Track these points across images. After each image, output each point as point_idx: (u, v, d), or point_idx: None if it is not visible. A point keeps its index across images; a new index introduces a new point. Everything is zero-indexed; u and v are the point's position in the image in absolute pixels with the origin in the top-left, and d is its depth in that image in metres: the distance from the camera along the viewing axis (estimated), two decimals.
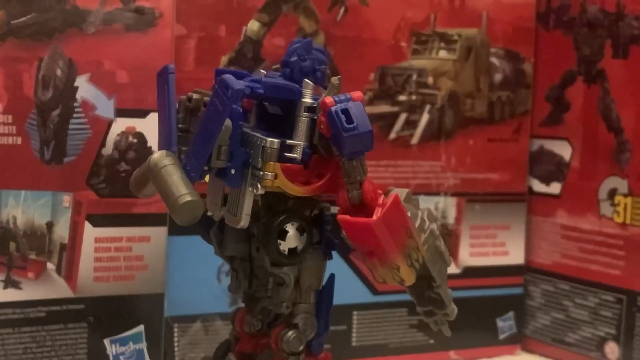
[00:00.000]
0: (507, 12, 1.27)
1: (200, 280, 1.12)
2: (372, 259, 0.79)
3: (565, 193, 1.27)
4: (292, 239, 0.83)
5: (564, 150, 1.27)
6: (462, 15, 1.24)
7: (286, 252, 0.83)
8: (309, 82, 0.83)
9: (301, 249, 0.83)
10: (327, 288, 0.87)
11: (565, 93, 1.27)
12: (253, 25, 1.12)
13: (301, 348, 0.86)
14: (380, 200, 0.79)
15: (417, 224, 0.80)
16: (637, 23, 1.16)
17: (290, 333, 0.85)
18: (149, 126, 1.05)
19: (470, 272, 1.27)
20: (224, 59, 1.12)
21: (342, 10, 1.16)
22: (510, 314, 1.31)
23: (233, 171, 0.80)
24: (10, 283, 1.01)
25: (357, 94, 0.81)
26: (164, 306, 1.08)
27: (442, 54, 1.23)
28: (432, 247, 0.80)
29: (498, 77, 1.28)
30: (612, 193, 1.20)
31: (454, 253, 1.27)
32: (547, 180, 1.30)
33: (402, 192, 0.80)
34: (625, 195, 1.19)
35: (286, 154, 0.81)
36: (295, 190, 0.81)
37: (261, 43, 1.13)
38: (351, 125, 0.79)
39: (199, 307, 1.12)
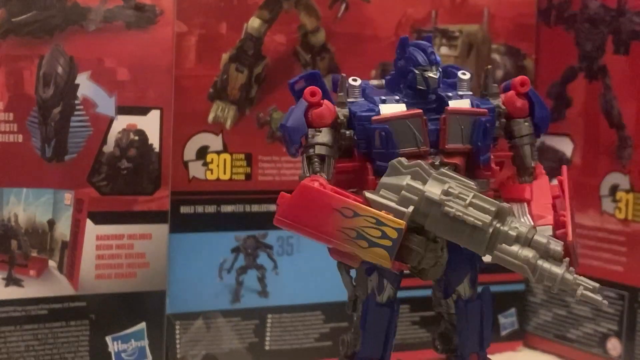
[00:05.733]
0: (509, 8, 1.26)
1: (202, 278, 1.12)
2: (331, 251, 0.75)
3: None
4: None
5: (565, 146, 1.27)
6: (464, 12, 1.24)
7: None
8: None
9: None
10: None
11: (567, 89, 1.26)
12: (254, 22, 1.12)
13: None
14: None
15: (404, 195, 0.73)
16: (638, 19, 1.16)
17: None
18: (150, 123, 1.05)
19: None
20: (224, 56, 1.12)
21: (343, 7, 1.16)
22: (512, 310, 1.30)
23: None
24: (12, 281, 1.01)
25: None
26: (165, 303, 1.07)
27: (444, 50, 1.23)
28: (437, 218, 0.72)
29: (499, 73, 1.27)
30: (614, 189, 1.20)
31: None
32: (548, 177, 1.28)
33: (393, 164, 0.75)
34: (627, 192, 1.18)
35: None
36: None
37: (262, 40, 1.13)
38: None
39: (201, 304, 1.12)
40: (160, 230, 1.06)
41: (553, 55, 1.28)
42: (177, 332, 1.12)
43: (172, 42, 1.05)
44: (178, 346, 1.12)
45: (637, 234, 1.17)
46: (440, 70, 0.79)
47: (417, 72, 0.78)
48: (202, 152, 1.12)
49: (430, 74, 0.77)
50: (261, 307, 1.16)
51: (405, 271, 0.79)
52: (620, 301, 1.19)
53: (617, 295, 1.19)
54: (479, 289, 0.85)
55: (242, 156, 1.13)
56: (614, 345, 1.20)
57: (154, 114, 1.05)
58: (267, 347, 1.16)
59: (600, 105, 1.22)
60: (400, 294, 0.89)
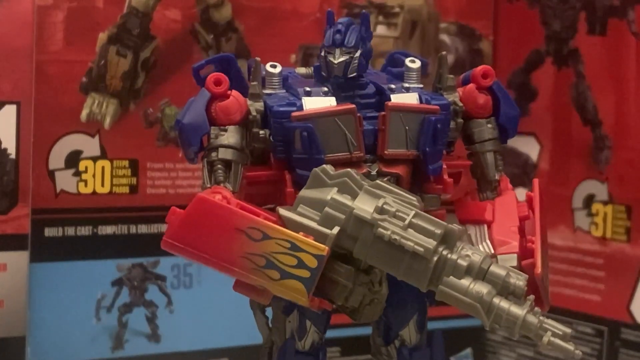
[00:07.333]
0: None
1: (73, 319, 1.06)
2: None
3: None
4: None
5: (530, 148, 1.23)
6: None
7: None
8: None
9: None
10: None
11: (531, 78, 1.23)
12: None
13: None
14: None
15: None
16: None
17: None
18: (4, 122, 0.99)
19: None
20: (102, 36, 1.06)
21: None
22: (468, 350, 1.26)
23: None
24: None
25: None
26: (26, 352, 1.01)
27: (381, 29, 1.19)
28: (369, 240, 0.68)
29: (450, 58, 1.14)
30: (589, 200, 1.16)
31: None
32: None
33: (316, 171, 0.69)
34: (604, 203, 1.14)
35: None
36: None
37: (151, 16, 1.07)
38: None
39: (72, 352, 1.06)
40: (17, 259, 1.01)
41: (515, 37, 1.25)
42: None
43: (32, 18, 1.01)
44: None
45: (618, 255, 1.13)
46: (356, 54, 0.73)
47: (322, 55, 0.73)
48: (73, 159, 1.06)
49: (330, 58, 0.72)
50: (151, 354, 1.10)
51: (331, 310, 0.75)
52: (598, 338, 1.15)
53: (594, 331, 1.16)
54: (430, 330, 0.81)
55: (126, 163, 1.08)
56: None
57: (9, 110, 0.99)
58: None
59: (571, 97, 1.18)
60: (328, 333, 0.82)
